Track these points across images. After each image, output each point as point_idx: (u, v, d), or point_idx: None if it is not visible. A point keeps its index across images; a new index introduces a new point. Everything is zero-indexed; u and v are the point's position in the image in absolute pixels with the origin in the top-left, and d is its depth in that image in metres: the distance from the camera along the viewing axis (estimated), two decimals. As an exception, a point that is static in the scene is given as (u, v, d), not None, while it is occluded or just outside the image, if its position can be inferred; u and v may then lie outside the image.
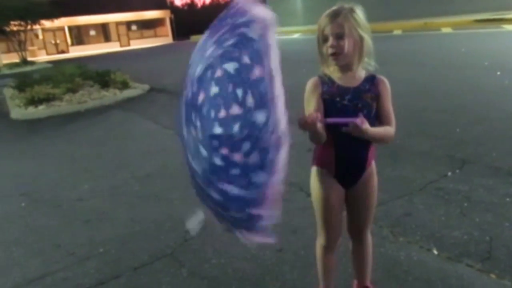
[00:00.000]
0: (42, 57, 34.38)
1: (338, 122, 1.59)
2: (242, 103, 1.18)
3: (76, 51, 37.25)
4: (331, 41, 1.63)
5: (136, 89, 10.05)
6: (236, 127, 1.18)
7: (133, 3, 40.43)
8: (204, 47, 1.37)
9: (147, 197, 3.80)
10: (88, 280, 2.60)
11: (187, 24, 39.83)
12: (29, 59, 27.53)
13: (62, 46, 39.69)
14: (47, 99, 9.08)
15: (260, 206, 1.22)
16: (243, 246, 2.71)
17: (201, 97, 1.29)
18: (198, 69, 1.34)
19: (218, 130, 1.22)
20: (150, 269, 2.64)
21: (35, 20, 25.98)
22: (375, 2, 13.34)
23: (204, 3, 45.66)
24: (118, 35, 42.10)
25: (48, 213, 3.71)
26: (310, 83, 1.74)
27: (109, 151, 5.53)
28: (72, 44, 40.25)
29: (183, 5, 45.90)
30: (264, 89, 1.16)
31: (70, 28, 39.97)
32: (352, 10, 1.63)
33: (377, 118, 1.73)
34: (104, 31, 41.91)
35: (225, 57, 1.26)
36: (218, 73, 1.26)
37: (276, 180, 1.18)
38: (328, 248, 1.92)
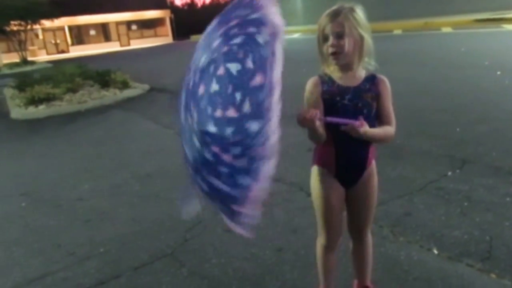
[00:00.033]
0: (42, 57, 34.40)
1: (337, 122, 1.59)
2: (239, 108, 1.19)
3: (76, 51, 37.27)
4: (331, 40, 1.63)
5: (136, 89, 10.06)
6: (229, 130, 1.20)
7: (133, 3, 40.44)
8: (212, 35, 1.37)
9: (147, 197, 3.80)
10: (88, 280, 2.60)
11: (187, 24, 39.84)
12: (29, 59, 27.56)
13: (62, 46, 39.72)
14: (47, 99, 9.08)
15: (242, 205, 1.25)
16: (243, 245, 2.72)
17: (201, 89, 1.30)
18: (202, 59, 1.34)
19: (212, 128, 1.24)
20: (150, 269, 2.64)
21: (35, 20, 26.02)
22: (375, 2, 13.32)
23: (204, 2, 45.72)
24: (118, 35, 42.13)
25: (48, 213, 3.71)
26: (310, 83, 1.74)
27: (109, 151, 5.53)
28: (72, 44, 40.29)
29: (183, 5, 45.95)
30: (262, 99, 1.17)
31: (70, 28, 40.00)
32: (352, 10, 1.63)
33: (377, 118, 1.73)
34: (104, 31, 41.93)
35: (229, 56, 1.27)
36: (221, 70, 1.26)
37: (260, 187, 1.20)
38: (329, 247, 1.92)
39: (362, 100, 1.69)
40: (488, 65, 7.67)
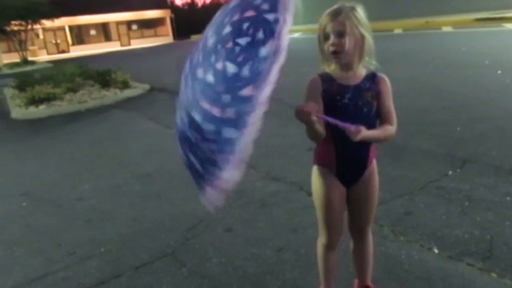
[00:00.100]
0: (42, 57, 34.42)
1: (335, 123, 1.58)
2: (223, 110, 1.22)
3: (77, 51, 37.27)
4: (332, 39, 1.63)
5: (137, 89, 10.05)
6: (208, 126, 1.24)
7: (133, 3, 40.46)
8: (225, 19, 1.37)
9: (148, 196, 3.80)
10: (89, 279, 2.60)
11: (188, 24, 39.79)
12: (30, 58, 27.59)
13: (62, 46, 39.73)
14: (47, 99, 9.09)
15: (209, 186, 1.29)
16: (244, 245, 2.72)
17: (200, 72, 1.34)
18: (210, 42, 1.36)
19: (196, 116, 1.28)
20: (151, 268, 2.64)
21: (35, 20, 26.03)
22: (376, 1, 13.28)
23: (204, 2, 45.67)
24: (119, 35, 42.14)
25: (49, 213, 3.71)
26: (311, 82, 1.74)
27: (110, 150, 5.53)
28: (73, 44, 40.30)
29: (183, 5, 45.91)
30: (246, 110, 1.18)
31: (70, 27, 40.02)
32: (353, 9, 1.63)
33: (378, 116, 1.73)
34: (104, 31, 41.95)
35: (230, 54, 1.27)
36: (219, 65, 1.27)
37: (225, 179, 1.23)
38: (329, 247, 1.92)
39: (362, 99, 1.69)
40: (488, 64, 7.66)
